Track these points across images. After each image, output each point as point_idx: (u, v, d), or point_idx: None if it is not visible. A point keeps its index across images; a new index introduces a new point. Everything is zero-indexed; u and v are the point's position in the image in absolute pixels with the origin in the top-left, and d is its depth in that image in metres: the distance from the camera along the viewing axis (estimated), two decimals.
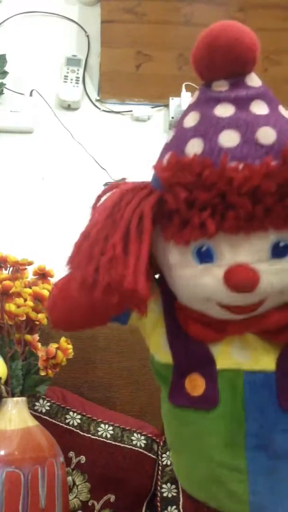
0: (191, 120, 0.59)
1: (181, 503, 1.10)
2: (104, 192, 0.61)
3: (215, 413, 0.62)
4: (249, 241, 0.55)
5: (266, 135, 0.55)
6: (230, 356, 0.62)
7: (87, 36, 1.69)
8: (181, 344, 0.64)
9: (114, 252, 0.54)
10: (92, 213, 0.60)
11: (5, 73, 1.59)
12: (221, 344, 0.63)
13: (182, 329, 0.63)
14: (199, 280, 0.57)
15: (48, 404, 1.18)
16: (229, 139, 0.55)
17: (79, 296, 0.57)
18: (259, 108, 0.57)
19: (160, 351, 0.66)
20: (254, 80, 0.59)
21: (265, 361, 0.62)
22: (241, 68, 0.58)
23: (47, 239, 1.50)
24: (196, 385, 0.63)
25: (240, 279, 0.55)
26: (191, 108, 0.61)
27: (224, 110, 0.57)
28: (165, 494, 1.13)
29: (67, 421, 1.17)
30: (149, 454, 1.16)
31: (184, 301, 0.62)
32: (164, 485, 1.13)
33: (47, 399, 1.18)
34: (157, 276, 0.66)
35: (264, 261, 0.56)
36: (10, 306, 1.05)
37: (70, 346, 1.07)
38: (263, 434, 0.61)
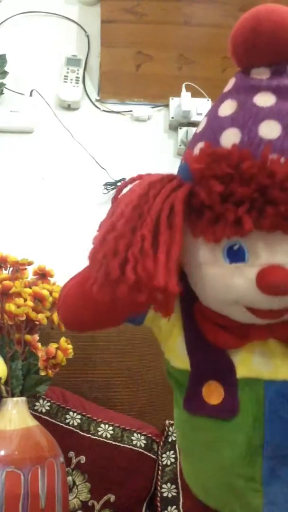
0: (227, 109, 0.55)
1: (181, 503, 1.10)
2: (125, 184, 0.56)
3: (233, 423, 0.59)
4: (286, 240, 0.51)
5: None
6: (251, 364, 0.59)
7: (87, 36, 1.68)
8: (199, 350, 0.60)
9: (143, 246, 0.49)
10: (113, 206, 0.55)
11: (5, 73, 1.59)
12: (242, 351, 0.59)
13: (201, 334, 0.60)
14: (229, 280, 0.53)
15: (48, 404, 1.18)
16: (270, 130, 0.51)
17: (100, 293, 0.51)
18: None
19: (177, 356, 0.62)
20: None
21: (286, 369, 0.59)
22: (284, 55, 0.54)
23: (47, 239, 1.49)
24: (214, 393, 0.59)
25: (275, 280, 0.50)
26: (226, 96, 0.57)
27: (265, 100, 0.53)
28: (165, 494, 1.13)
29: (67, 421, 1.17)
30: (149, 454, 1.16)
31: (209, 303, 0.57)
32: (164, 485, 1.13)
33: (47, 399, 1.18)
34: None
35: None
36: (10, 306, 1.05)
37: (70, 346, 1.07)
38: (282, 445, 0.59)
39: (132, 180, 0.56)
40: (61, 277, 1.06)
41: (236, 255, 0.52)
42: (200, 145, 0.55)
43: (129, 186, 0.55)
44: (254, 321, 0.56)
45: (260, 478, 0.60)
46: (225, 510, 0.65)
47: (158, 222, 0.50)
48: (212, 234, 0.51)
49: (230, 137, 0.53)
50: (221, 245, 0.53)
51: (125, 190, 0.55)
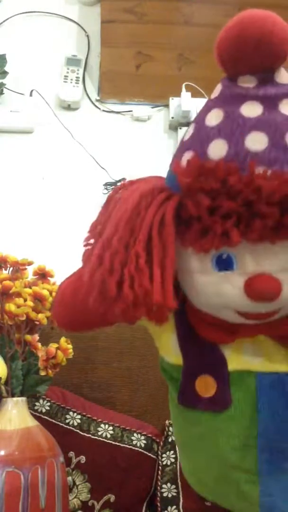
0: (213, 118, 0.54)
1: (181, 503, 1.10)
2: (115, 191, 0.57)
3: (226, 414, 0.61)
4: (273, 250, 0.52)
5: None
6: (242, 357, 0.61)
7: (87, 36, 1.69)
8: (192, 345, 0.62)
9: (137, 263, 0.50)
10: (102, 212, 0.56)
11: (5, 73, 1.59)
12: (232, 346, 0.61)
13: (193, 330, 0.62)
14: (219, 288, 0.54)
15: (48, 404, 1.19)
16: (256, 142, 0.51)
17: (97, 307, 0.53)
18: None
19: (170, 352, 0.64)
20: (284, 77, 0.54)
21: (277, 362, 0.61)
22: (271, 62, 0.53)
23: (47, 239, 1.49)
24: (207, 386, 0.61)
25: (262, 288, 0.52)
26: (213, 104, 0.56)
27: (251, 110, 0.52)
28: (165, 494, 1.13)
29: (67, 421, 1.17)
30: (149, 454, 1.16)
31: (201, 306, 0.59)
32: (164, 485, 1.13)
33: (47, 399, 1.18)
34: None
35: (287, 271, 0.53)
36: (10, 306, 1.05)
37: (70, 346, 1.07)
38: (275, 436, 0.61)
39: (123, 186, 0.57)
40: (61, 277, 1.06)
41: (224, 264, 0.54)
42: (188, 154, 0.55)
43: (121, 194, 0.56)
44: (243, 321, 0.57)
45: (255, 470, 0.61)
46: (222, 503, 0.67)
47: (150, 236, 0.51)
48: (201, 246, 0.52)
49: (217, 149, 0.52)
50: (210, 254, 0.53)
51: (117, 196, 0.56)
